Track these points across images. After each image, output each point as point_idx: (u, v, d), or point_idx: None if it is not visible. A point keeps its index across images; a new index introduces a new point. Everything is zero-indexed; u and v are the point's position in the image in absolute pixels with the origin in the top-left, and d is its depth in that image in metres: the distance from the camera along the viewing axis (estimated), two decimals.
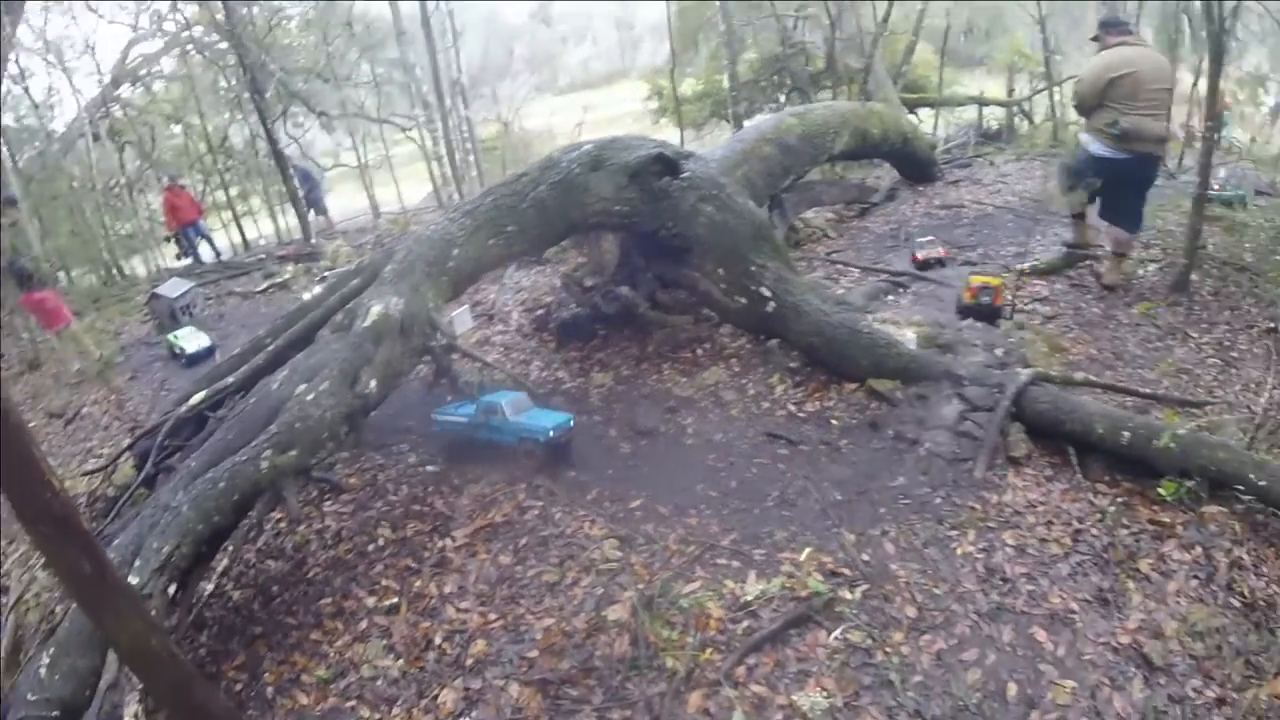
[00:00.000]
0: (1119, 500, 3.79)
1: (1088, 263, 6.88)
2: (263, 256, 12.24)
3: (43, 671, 2.99)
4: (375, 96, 18.60)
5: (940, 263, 6.83)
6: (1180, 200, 7.55)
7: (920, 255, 6.83)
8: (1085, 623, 3.17)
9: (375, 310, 4.14)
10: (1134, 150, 5.69)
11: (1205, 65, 6.29)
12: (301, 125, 18.26)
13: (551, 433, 4.39)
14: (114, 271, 15.73)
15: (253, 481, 3.50)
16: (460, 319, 5.27)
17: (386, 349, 4.05)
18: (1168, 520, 3.62)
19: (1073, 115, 9.81)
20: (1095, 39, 6.13)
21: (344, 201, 18.87)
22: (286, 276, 10.24)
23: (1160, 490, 3.69)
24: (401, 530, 4.09)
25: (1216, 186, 9.29)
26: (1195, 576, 3.33)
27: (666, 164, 4.90)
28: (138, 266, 16.59)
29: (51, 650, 3.06)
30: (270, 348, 5.10)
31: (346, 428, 3.84)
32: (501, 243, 4.83)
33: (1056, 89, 13.96)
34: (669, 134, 14.81)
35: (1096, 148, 5.90)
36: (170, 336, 8.01)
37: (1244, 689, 2.84)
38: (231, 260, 12.93)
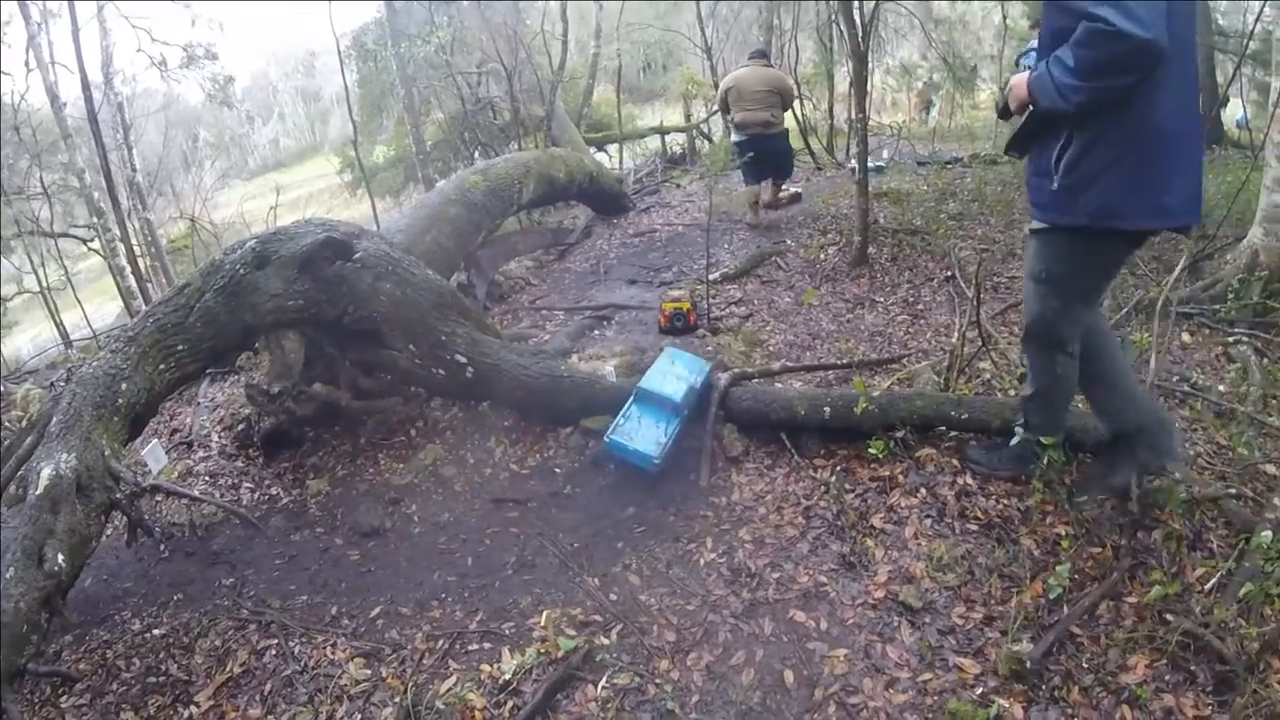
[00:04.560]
0: (839, 469, 4.01)
1: (773, 259, 7.57)
2: None
3: None
4: (49, 209, 16.35)
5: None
6: (850, 186, 8.94)
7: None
8: (838, 591, 3.29)
9: (45, 474, 3.53)
10: (750, 133, 8.28)
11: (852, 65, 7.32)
12: None
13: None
14: None
15: None
16: (152, 455, 4.65)
17: (67, 516, 3.46)
18: (888, 473, 3.85)
19: None
20: None
21: (33, 333, 16.48)
22: None
23: (871, 449, 3.92)
24: (144, 710, 3.49)
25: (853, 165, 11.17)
26: (928, 516, 3.54)
27: (337, 247, 4.65)
28: None
29: None
30: None
31: (46, 613, 3.27)
32: (174, 365, 4.30)
33: None
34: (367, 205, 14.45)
35: (734, 136, 8.68)
36: None
37: (1006, 600, 3.05)
38: None
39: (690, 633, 3.23)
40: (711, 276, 6.87)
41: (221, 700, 3.45)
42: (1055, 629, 2.88)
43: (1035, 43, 8.60)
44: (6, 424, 7.25)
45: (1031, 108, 2.62)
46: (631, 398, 4.33)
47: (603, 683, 3.05)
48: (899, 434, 3.98)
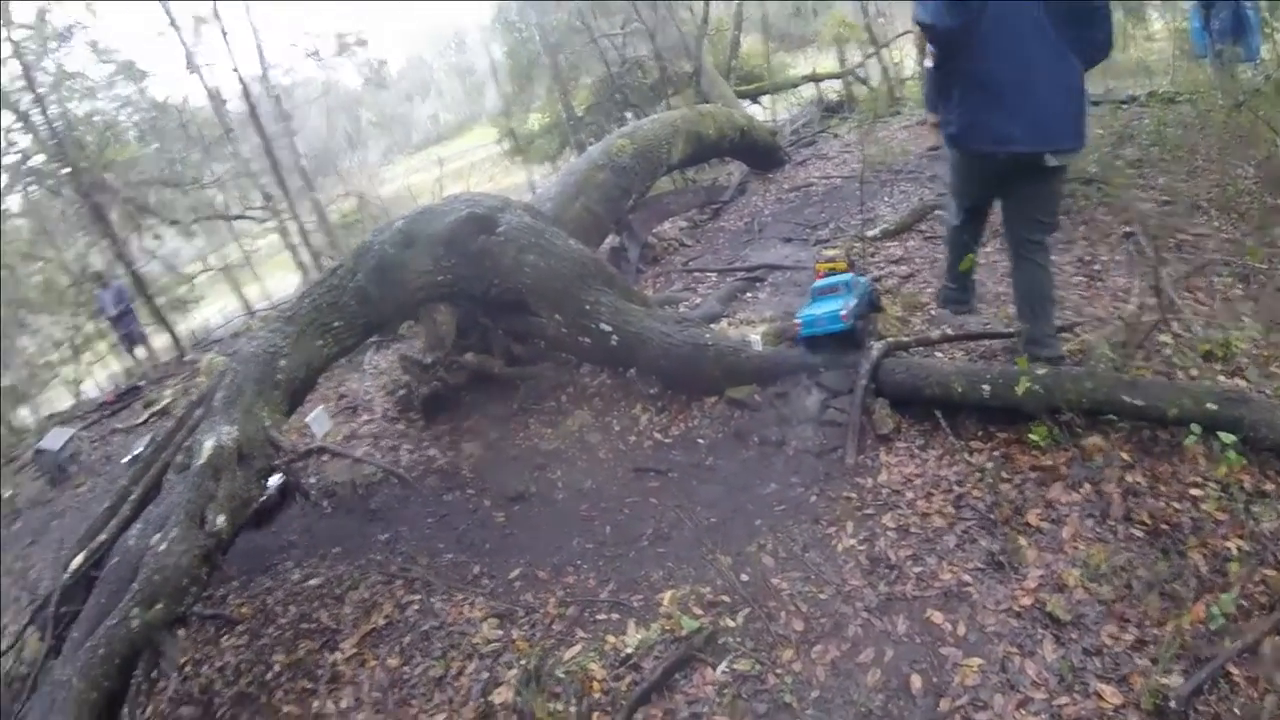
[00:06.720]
0: (996, 454, 3.65)
1: (937, 212, 7.05)
2: (139, 384, 11.69)
3: None
4: (224, 195, 18.09)
5: None
6: None
7: None
8: (981, 593, 3.01)
9: (208, 445, 3.94)
10: None
11: None
12: (160, 238, 17.65)
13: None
14: None
15: (128, 642, 3.33)
16: (317, 421, 5.05)
17: (228, 482, 3.85)
18: (1049, 463, 3.47)
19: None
20: None
21: (220, 305, 18.33)
22: (166, 401, 9.74)
23: (1033, 435, 3.54)
24: (294, 653, 3.88)
25: None
26: (1089, 516, 3.18)
27: (480, 223, 4.78)
28: (25, 417, 15.52)
29: None
30: (132, 497, 4.79)
31: (206, 569, 3.65)
32: (330, 341, 4.65)
33: (885, 50, 14.42)
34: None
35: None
36: None
37: (1163, 623, 2.71)
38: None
39: (819, 623, 3.11)
40: (870, 233, 6.49)
41: (364, 649, 3.72)
42: (1210, 665, 2.51)
43: None
44: (193, 390, 8.08)
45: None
46: (808, 300, 4.63)
47: (722, 667, 3.01)
48: (1065, 418, 3.53)
